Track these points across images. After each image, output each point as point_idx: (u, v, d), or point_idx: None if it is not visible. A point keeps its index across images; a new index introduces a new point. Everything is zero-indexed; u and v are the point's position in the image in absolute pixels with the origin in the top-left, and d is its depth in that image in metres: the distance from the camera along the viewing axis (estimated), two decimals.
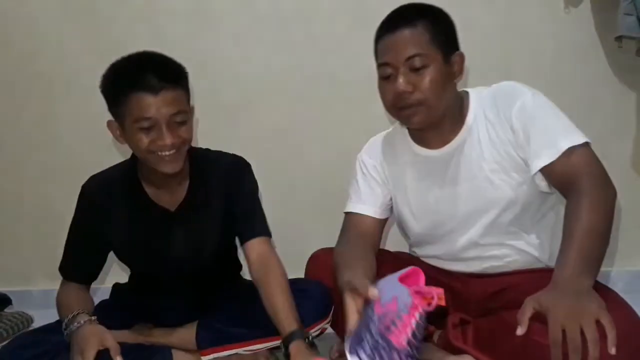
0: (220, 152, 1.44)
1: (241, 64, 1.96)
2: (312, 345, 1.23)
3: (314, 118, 1.97)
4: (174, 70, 1.24)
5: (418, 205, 1.33)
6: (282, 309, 1.23)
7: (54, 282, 1.75)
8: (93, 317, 1.25)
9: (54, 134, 2.06)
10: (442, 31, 1.20)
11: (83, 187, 1.38)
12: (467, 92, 1.30)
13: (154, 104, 1.17)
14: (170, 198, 1.35)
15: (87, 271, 1.41)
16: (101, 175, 1.39)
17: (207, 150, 1.44)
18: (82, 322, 1.22)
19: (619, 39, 1.67)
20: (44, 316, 1.59)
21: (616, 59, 1.85)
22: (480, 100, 1.26)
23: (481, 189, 1.23)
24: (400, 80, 1.17)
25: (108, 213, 1.34)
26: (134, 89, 1.16)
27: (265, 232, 1.38)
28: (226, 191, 1.37)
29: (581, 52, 1.86)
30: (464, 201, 1.26)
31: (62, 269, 1.41)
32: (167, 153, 1.21)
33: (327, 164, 1.95)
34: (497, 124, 1.22)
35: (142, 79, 1.16)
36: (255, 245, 1.35)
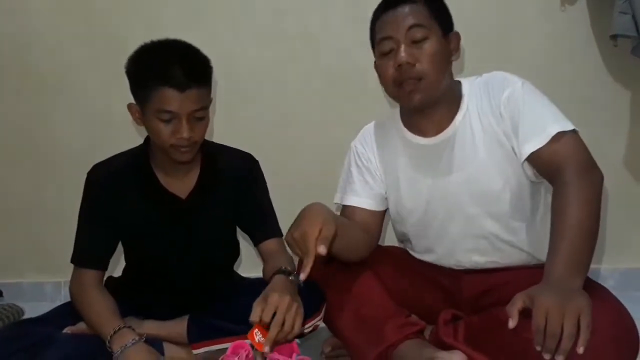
0: (229, 146, 1.48)
1: (236, 58, 1.95)
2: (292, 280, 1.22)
3: (309, 112, 1.96)
4: (201, 67, 1.27)
5: (410, 195, 1.32)
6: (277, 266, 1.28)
7: (45, 275, 1.76)
8: (143, 337, 1.26)
9: (46, 129, 2.04)
10: (440, 10, 1.24)
11: (89, 174, 1.38)
12: (459, 82, 1.30)
13: (179, 100, 1.20)
14: (181, 185, 1.37)
15: (101, 256, 1.38)
16: (108, 163, 1.39)
17: (216, 143, 1.47)
18: (135, 339, 1.23)
19: (614, 37, 1.67)
20: (34, 308, 1.59)
21: (611, 57, 1.85)
22: (472, 89, 1.26)
23: (473, 180, 1.23)
24: (402, 52, 1.18)
25: (117, 199, 1.35)
26: (161, 83, 1.19)
27: (277, 232, 1.45)
28: (239, 186, 1.42)
29: (577, 51, 1.86)
30: (456, 191, 1.25)
31: (76, 256, 1.38)
32: (184, 145, 1.25)
33: (322, 158, 1.94)
34: (489, 113, 1.22)
35: (170, 74, 1.19)
36: (269, 246, 1.43)
